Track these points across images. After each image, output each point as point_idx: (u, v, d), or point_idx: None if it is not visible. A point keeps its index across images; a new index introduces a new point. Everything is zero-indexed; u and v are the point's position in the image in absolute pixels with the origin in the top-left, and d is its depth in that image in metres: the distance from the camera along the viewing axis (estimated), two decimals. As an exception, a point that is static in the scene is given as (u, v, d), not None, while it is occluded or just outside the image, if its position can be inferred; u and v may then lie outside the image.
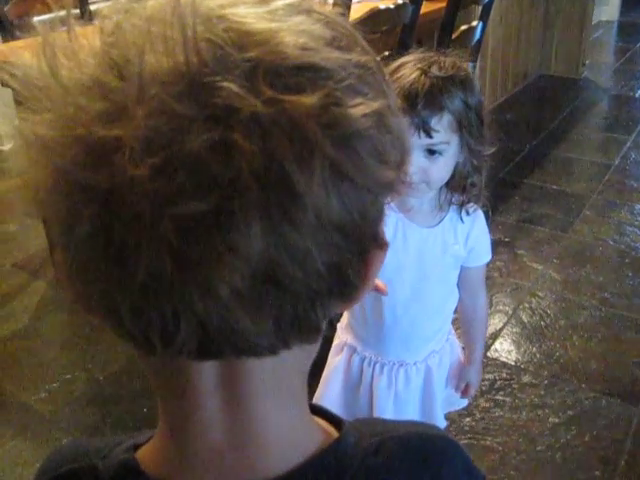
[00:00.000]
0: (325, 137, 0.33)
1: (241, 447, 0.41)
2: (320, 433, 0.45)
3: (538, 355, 2.09)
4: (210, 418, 0.41)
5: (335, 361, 1.34)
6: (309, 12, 0.37)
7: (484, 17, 2.56)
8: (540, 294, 2.39)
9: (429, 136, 1.06)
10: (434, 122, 1.06)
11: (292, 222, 0.33)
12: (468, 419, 1.85)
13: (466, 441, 1.77)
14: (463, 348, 1.39)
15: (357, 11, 2.01)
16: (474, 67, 2.65)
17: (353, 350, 1.32)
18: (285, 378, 0.42)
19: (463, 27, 2.44)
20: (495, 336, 2.18)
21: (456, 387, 1.36)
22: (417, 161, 1.08)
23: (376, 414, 1.29)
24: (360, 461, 0.43)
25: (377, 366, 1.29)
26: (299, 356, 0.41)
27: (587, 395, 1.93)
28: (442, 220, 1.20)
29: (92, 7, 2.34)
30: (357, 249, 0.37)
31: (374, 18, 1.82)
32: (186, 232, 0.32)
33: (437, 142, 1.08)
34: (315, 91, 0.34)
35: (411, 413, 1.31)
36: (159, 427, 0.44)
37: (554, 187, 3.16)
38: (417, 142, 1.07)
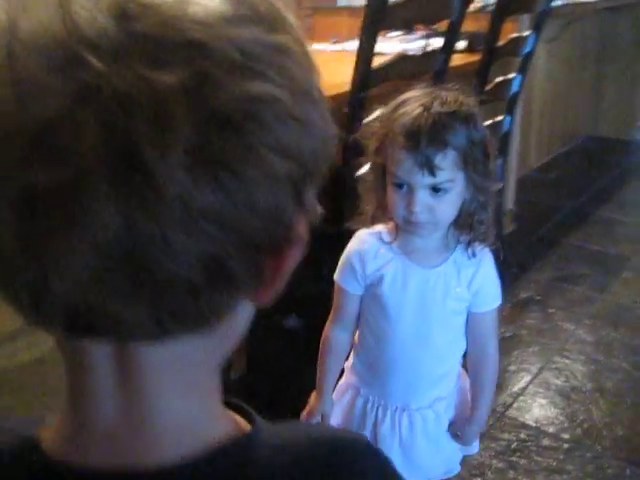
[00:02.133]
0: (190, 120, 0.31)
1: (135, 430, 0.40)
2: (229, 427, 0.43)
3: (561, 418, 1.99)
4: (104, 398, 0.39)
5: (337, 403, 1.30)
6: None
7: (523, 70, 2.54)
8: (569, 355, 2.29)
9: (433, 175, 1.04)
10: (438, 159, 1.03)
11: (150, 210, 0.31)
12: (479, 479, 1.76)
13: (473, 501, 1.68)
14: None
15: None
16: (511, 121, 2.62)
17: (357, 391, 1.27)
18: (184, 368, 0.40)
19: (498, 79, 2.43)
20: (517, 395, 2.08)
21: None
22: (423, 200, 1.06)
23: None
24: (265, 458, 0.42)
25: (380, 409, 1.23)
26: (200, 348, 0.40)
27: (610, 463, 1.82)
28: (446, 260, 1.16)
29: None
30: (247, 244, 0.35)
31: (400, 64, 1.82)
32: (29, 205, 0.31)
33: (442, 180, 1.05)
34: (187, 68, 0.32)
35: (418, 459, 1.24)
36: (63, 404, 0.43)
37: (594, 247, 3.06)
38: (421, 181, 1.05)
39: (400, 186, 1.07)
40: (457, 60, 2.60)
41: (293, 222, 0.38)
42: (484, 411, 1.24)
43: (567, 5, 3.50)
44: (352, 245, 1.18)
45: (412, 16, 1.84)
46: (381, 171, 1.10)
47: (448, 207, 1.08)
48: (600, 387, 2.12)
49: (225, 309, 0.38)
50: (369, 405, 1.24)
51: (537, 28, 2.48)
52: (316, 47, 3.19)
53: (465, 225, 1.14)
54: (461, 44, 2.82)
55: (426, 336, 1.17)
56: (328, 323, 1.25)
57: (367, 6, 1.66)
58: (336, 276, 1.20)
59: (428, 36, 2.88)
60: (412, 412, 1.21)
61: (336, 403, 1.28)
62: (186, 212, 0.32)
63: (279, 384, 1.33)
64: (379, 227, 1.18)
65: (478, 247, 1.16)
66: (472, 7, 3.01)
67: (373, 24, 1.68)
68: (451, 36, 2.00)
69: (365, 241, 1.17)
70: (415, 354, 1.18)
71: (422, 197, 1.05)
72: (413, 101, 1.07)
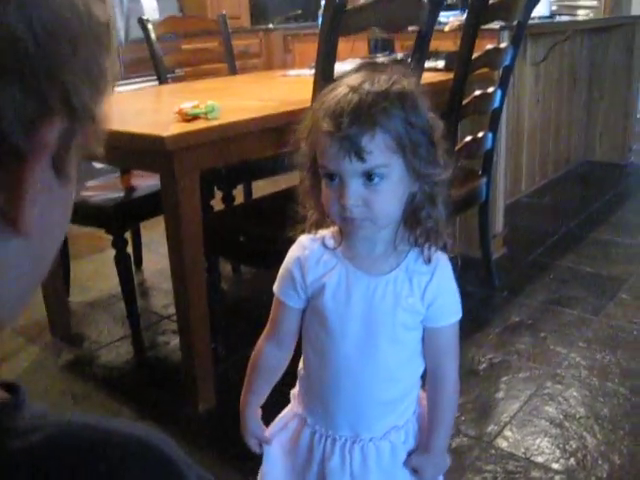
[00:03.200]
0: None
1: None
2: None
3: (552, 447, 1.84)
4: None
5: (280, 435, 1.16)
6: None
7: (502, 84, 2.46)
8: (561, 380, 2.15)
9: (361, 159, 0.90)
10: (365, 141, 0.90)
11: None
12: (461, 515, 1.61)
13: (453, 540, 1.53)
14: None
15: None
16: (493, 139, 2.53)
17: (303, 422, 1.13)
18: None
19: (476, 93, 2.34)
20: (505, 424, 1.94)
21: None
22: (355, 191, 0.92)
23: None
24: (10, 437, 0.34)
25: (328, 442, 1.09)
26: None
27: (606, 495, 1.67)
28: (397, 267, 1.02)
29: None
30: None
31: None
32: None
33: (374, 165, 0.91)
34: None
35: None
36: None
37: (588, 269, 2.94)
38: (350, 167, 0.91)
39: (332, 178, 0.95)
40: (434, 78, 2.53)
41: (30, 125, 0.32)
42: (442, 441, 1.10)
43: (551, 23, 3.44)
44: (292, 252, 1.06)
45: (374, 19, 1.76)
46: (313, 166, 0.99)
47: (386, 198, 0.94)
48: (595, 413, 1.98)
49: None
50: (316, 437, 1.10)
51: (515, 41, 2.41)
52: (294, 72, 3.14)
53: (414, 222, 1.01)
54: (440, 63, 2.76)
55: (373, 353, 1.03)
56: (262, 336, 1.12)
57: (325, 8, 1.58)
58: (274, 287, 1.08)
59: (406, 56, 2.82)
60: (365, 444, 1.07)
61: (280, 432, 1.15)
62: None
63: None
64: (323, 232, 1.06)
65: (434, 252, 1.03)
66: (449, 27, 2.95)
67: (332, 28, 1.60)
68: (420, 45, 1.92)
69: (306, 247, 1.05)
70: (361, 374, 1.04)
71: (355, 187, 0.93)
72: (342, 84, 0.96)
